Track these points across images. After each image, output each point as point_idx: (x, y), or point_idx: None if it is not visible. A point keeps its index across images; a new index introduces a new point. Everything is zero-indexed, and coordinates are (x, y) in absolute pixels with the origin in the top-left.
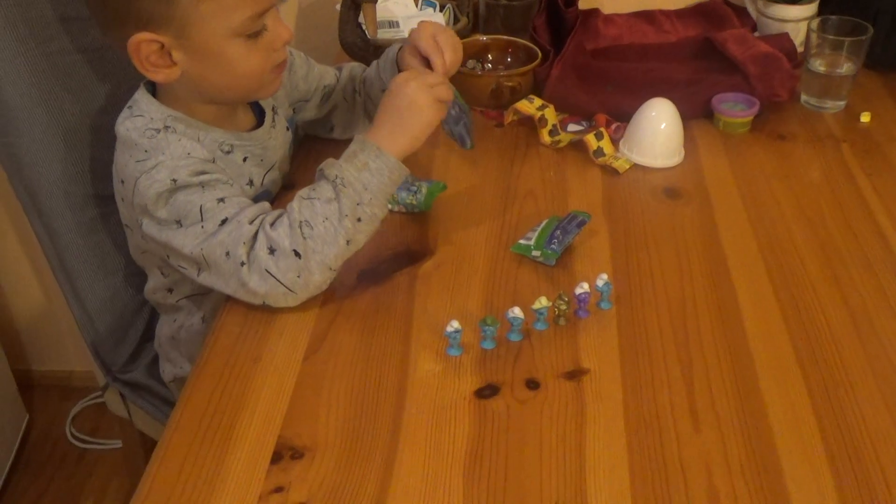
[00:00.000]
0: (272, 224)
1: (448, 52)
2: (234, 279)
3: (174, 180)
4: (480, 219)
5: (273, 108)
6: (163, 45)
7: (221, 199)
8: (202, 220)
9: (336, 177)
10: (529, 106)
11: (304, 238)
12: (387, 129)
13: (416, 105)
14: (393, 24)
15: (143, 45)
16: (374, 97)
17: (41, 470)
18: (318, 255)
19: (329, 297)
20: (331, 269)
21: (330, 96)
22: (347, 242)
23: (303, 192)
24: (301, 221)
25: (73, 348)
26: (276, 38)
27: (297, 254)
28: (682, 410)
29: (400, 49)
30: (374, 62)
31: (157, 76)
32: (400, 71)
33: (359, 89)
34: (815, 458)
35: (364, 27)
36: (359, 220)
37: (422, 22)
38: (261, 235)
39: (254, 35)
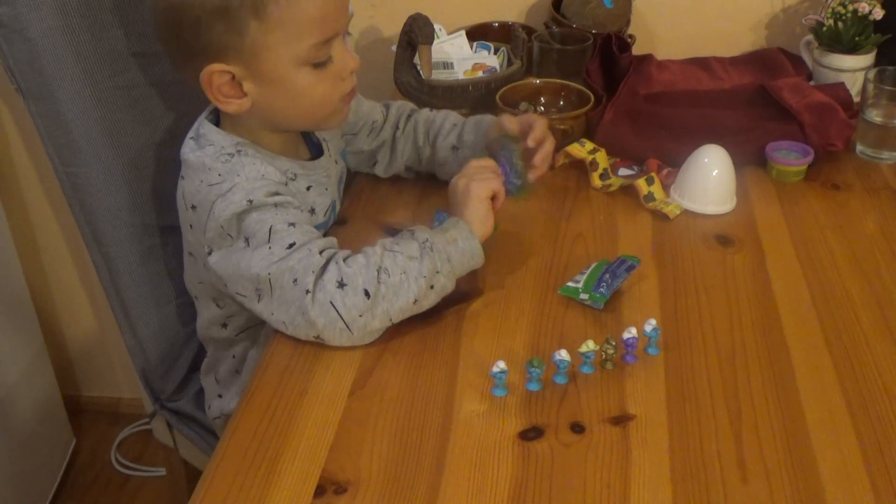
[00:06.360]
0: (345, 259)
1: (547, 143)
2: (294, 306)
3: (250, 201)
4: (529, 260)
5: (324, 139)
6: (234, 76)
7: (292, 224)
8: (269, 241)
9: (426, 240)
10: (581, 150)
11: (379, 282)
12: (468, 217)
13: (473, 203)
14: (447, 66)
15: (215, 76)
16: (439, 151)
17: (85, 494)
18: (386, 303)
19: None
20: (391, 320)
21: (378, 133)
22: (415, 301)
23: (387, 242)
24: (381, 267)
25: (123, 375)
26: (344, 67)
27: (367, 293)
28: (730, 460)
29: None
30: (448, 116)
31: (230, 107)
32: (486, 136)
33: (423, 137)
34: None
35: (419, 68)
36: (431, 287)
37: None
38: (332, 267)
39: (320, 64)
